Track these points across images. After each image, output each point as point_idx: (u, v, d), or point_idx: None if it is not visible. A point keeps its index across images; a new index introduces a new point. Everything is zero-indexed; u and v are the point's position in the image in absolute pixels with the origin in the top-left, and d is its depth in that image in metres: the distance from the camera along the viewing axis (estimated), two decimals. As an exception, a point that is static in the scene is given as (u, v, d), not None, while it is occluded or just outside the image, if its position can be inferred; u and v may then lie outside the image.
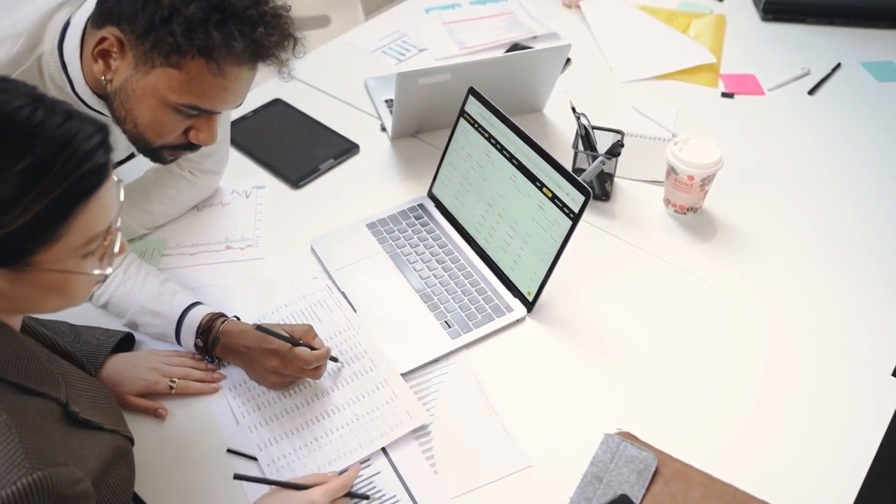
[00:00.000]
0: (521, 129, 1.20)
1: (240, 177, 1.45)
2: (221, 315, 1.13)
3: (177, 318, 1.12)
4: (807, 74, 1.75)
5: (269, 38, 0.96)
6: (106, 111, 1.05)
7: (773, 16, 1.92)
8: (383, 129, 1.58)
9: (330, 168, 1.48)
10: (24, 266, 0.71)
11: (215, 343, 1.10)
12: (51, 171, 0.68)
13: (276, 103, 1.63)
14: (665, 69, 1.74)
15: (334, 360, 1.13)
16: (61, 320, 1.11)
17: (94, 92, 1.03)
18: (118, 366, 1.08)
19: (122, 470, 0.89)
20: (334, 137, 1.54)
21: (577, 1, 1.95)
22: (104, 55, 0.97)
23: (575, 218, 1.12)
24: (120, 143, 1.21)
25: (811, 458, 1.04)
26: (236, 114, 1.57)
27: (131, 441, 0.94)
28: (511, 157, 1.22)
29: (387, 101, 1.61)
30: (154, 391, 1.08)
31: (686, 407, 1.10)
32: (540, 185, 1.17)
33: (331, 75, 1.72)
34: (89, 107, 1.06)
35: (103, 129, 0.72)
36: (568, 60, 1.75)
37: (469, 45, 1.80)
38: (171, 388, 1.08)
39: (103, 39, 0.96)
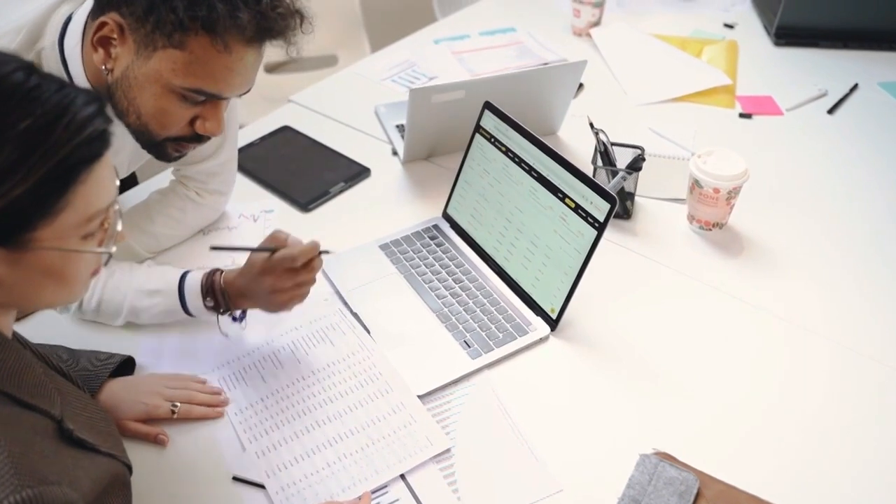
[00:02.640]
0: (540, 139, 1.16)
1: (247, 201, 1.40)
2: (215, 270, 1.10)
3: (176, 286, 1.09)
4: (824, 95, 1.72)
5: (274, 10, 0.92)
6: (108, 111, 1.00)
7: (786, 40, 1.91)
8: (395, 153, 1.54)
9: (340, 191, 1.43)
10: (24, 244, 0.67)
11: (224, 298, 1.09)
12: (53, 134, 0.65)
13: (285, 130, 1.59)
14: (680, 91, 1.71)
15: (325, 252, 1.07)
16: (59, 345, 1.05)
17: (94, 87, 0.98)
18: (116, 390, 1.02)
19: (118, 500, 0.82)
20: (344, 161, 1.50)
21: (587, 29, 1.94)
22: (104, 42, 0.93)
23: (600, 227, 1.07)
24: (122, 158, 1.17)
25: (861, 475, 0.96)
26: (244, 140, 1.54)
27: (129, 469, 0.87)
28: (530, 170, 1.17)
29: (398, 127, 1.58)
30: (155, 416, 1.01)
31: (723, 425, 1.03)
32: (562, 196, 1.12)
33: (340, 103, 1.69)
34: None
35: (99, 99, 0.69)
36: (581, 86, 1.72)
37: (480, 73, 1.78)
38: (174, 412, 1.01)
39: (103, 25, 0.92)
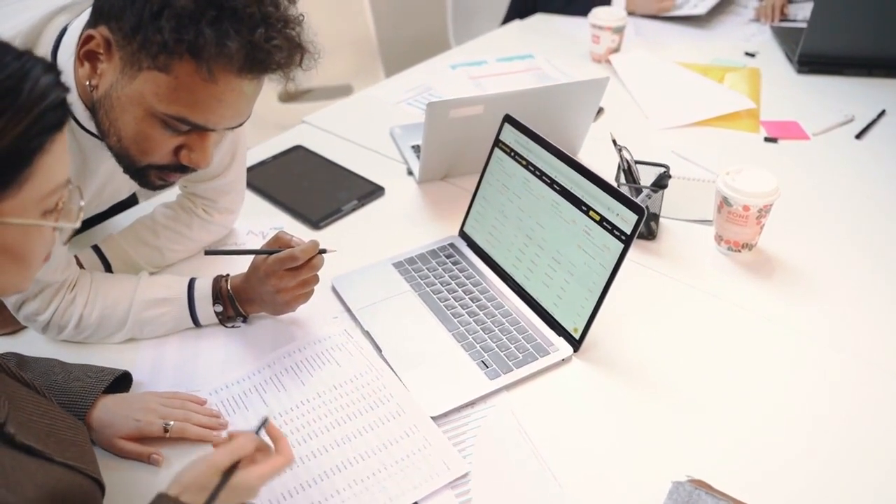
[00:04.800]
0: (563, 150, 1.11)
1: (256, 217, 1.35)
2: (221, 276, 1.11)
3: (185, 293, 1.08)
4: (851, 121, 1.67)
5: (268, 42, 0.84)
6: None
7: (809, 68, 1.87)
8: (410, 172, 1.49)
9: (353, 209, 1.38)
10: None
11: (233, 303, 1.10)
12: (19, 98, 0.62)
13: (297, 150, 1.56)
14: (703, 115, 1.67)
15: (324, 251, 1.05)
16: (52, 358, 1.00)
17: (87, 106, 0.92)
18: (110, 406, 0.95)
19: (76, 490, 0.74)
20: (358, 180, 1.46)
21: (606, 56, 1.91)
22: (90, 57, 0.87)
23: (627, 240, 1.01)
24: (122, 177, 1.12)
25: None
26: (255, 159, 1.50)
27: (101, 486, 0.80)
28: (552, 183, 1.12)
29: (413, 147, 1.54)
30: (147, 434, 0.94)
31: (761, 450, 0.95)
32: (586, 209, 1.07)
33: (354, 125, 1.66)
34: (81, 126, 0.95)
35: (54, 68, 0.66)
36: (601, 110, 1.68)
37: (497, 96, 1.74)
38: (166, 429, 0.94)
39: (89, 38, 0.86)
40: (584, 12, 1.97)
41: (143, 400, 0.98)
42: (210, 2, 0.81)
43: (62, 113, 0.66)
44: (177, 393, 1.01)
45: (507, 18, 2.35)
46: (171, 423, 0.95)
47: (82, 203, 0.71)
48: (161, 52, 0.82)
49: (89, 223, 1.28)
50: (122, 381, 1.01)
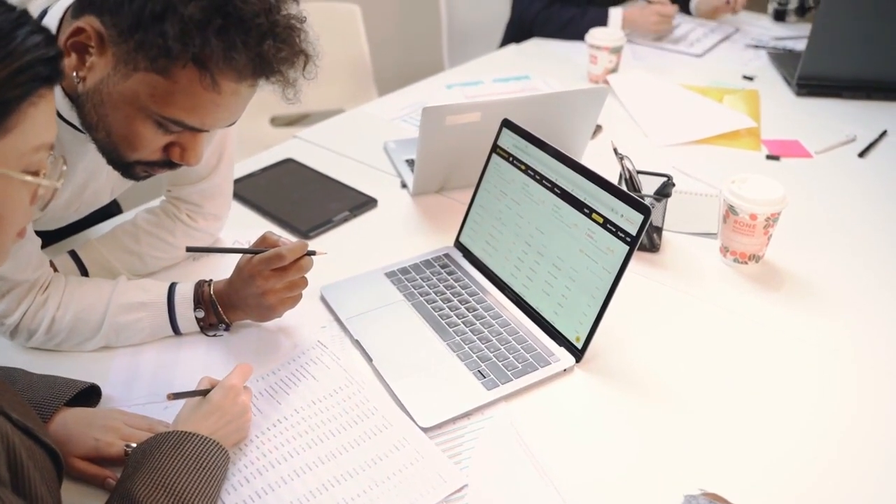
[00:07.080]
0: (563, 152, 1.07)
1: (243, 227, 1.30)
2: (204, 281, 1.05)
3: (165, 298, 1.02)
4: (853, 140, 1.64)
5: (276, 53, 0.81)
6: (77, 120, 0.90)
7: (809, 90, 1.85)
8: (404, 185, 1.45)
9: (345, 220, 1.33)
10: None
11: (216, 308, 1.04)
12: (9, 46, 0.60)
13: (288, 162, 1.51)
14: (703, 134, 1.64)
15: (313, 253, 1.01)
16: (18, 368, 0.93)
17: (67, 93, 0.88)
18: (69, 420, 0.87)
19: (38, 474, 0.67)
20: (350, 192, 1.41)
21: (604, 76, 1.88)
22: (78, 48, 0.82)
23: (633, 242, 0.96)
24: (102, 182, 1.07)
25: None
26: (243, 171, 1.46)
27: (57, 460, 0.73)
28: (553, 187, 1.07)
29: (407, 161, 1.50)
30: (105, 455, 0.85)
31: (773, 463, 0.89)
32: (588, 212, 1.02)
33: (347, 139, 1.62)
34: (61, 117, 0.90)
35: (46, 30, 0.64)
36: (599, 128, 1.65)
37: (493, 113, 1.71)
38: (127, 452, 0.85)
39: (79, 31, 0.81)
40: (580, 37, 1.95)
41: (106, 417, 0.89)
42: (217, 9, 0.77)
43: (53, 69, 0.64)
44: (145, 416, 0.92)
45: (503, 45, 2.33)
46: (133, 445, 0.85)
47: (65, 168, 0.68)
48: (161, 56, 0.78)
49: (68, 231, 1.23)
50: (89, 395, 0.93)
